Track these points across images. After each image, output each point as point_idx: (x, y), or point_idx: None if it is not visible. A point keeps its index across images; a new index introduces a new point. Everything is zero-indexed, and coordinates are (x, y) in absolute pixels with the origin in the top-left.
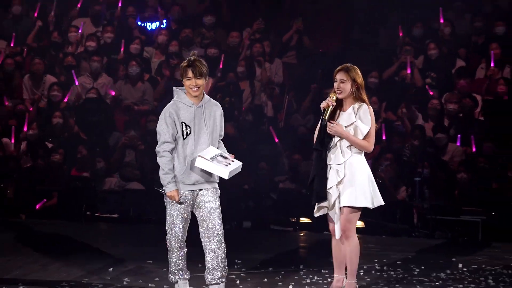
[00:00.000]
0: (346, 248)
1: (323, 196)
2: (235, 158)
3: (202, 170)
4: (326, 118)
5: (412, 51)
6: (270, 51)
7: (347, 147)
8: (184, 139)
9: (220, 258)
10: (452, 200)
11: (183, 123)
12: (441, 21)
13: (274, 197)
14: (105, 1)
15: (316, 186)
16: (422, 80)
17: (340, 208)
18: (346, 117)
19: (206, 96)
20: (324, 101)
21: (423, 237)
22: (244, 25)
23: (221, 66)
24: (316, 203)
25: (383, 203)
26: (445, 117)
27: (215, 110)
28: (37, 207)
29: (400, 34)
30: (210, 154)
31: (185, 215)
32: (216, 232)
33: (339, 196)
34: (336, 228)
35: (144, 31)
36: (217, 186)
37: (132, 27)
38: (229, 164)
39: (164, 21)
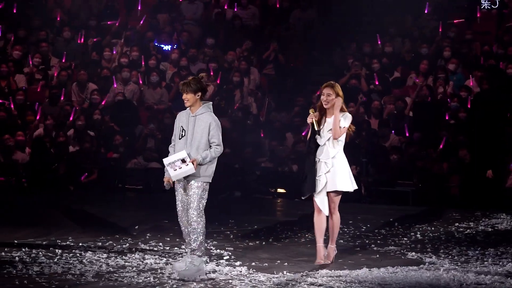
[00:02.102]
0: (331, 221)
1: (314, 189)
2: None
3: None
4: (317, 129)
5: (360, 65)
6: (253, 63)
7: (333, 146)
8: (180, 139)
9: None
10: (389, 175)
11: (181, 127)
12: (379, 42)
13: (257, 173)
14: (133, 28)
15: (309, 182)
16: (367, 86)
17: (328, 192)
18: (330, 122)
19: (202, 109)
20: (308, 118)
21: (368, 203)
22: (236, 45)
23: (218, 81)
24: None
25: (357, 187)
26: (384, 114)
27: (206, 121)
28: (82, 179)
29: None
30: (171, 159)
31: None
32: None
33: (326, 183)
34: (323, 207)
35: (160, 51)
36: (196, 180)
37: (150, 48)
38: (180, 168)
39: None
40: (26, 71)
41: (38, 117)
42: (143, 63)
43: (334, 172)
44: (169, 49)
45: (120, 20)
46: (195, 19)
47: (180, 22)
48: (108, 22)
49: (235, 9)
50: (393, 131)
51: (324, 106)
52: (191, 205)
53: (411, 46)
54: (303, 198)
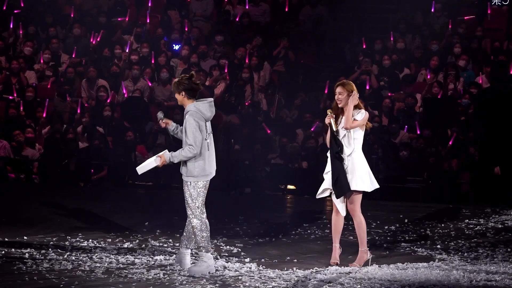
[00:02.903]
0: (355, 223)
1: (348, 189)
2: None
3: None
4: (335, 129)
5: (370, 62)
6: (263, 60)
7: (348, 144)
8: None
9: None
10: (399, 172)
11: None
12: (391, 38)
13: (268, 170)
14: (143, 24)
15: (342, 182)
16: (377, 83)
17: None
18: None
19: (187, 108)
20: (326, 118)
21: (378, 199)
22: (246, 42)
23: (228, 77)
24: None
25: (378, 186)
26: (394, 111)
27: (185, 121)
28: (92, 173)
29: (364, 46)
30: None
31: None
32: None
33: None
34: (341, 207)
35: (170, 48)
36: (184, 179)
37: (161, 44)
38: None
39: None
40: (36, 68)
41: (47, 114)
42: (153, 60)
43: (351, 171)
44: (178, 48)
45: (130, 17)
46: (205, 16)
47: (189, 19)
48: (119, 19)
49: (247, 6)
50: (405, 128)
51: (339, 105)
52: (185, 203)
53: (421, 42)
54: (317, 197)
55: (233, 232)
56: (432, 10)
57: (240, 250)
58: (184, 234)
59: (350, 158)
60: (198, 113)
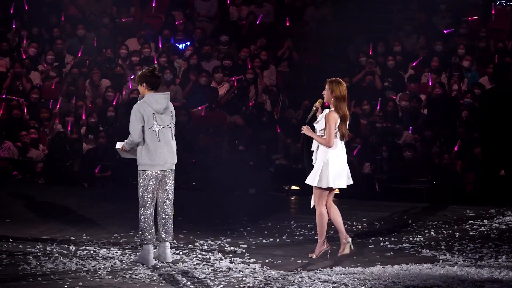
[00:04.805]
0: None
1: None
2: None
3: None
4: (309, 116)
5: (374, 63)
6: (267, 60)
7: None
8: None
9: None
10: (403, 172)
11: None
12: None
13: (272, 170)
14: (147, 25)
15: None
16: (381, 84)
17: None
18: (319, 117)
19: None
20: (314, 104)
21: (382, 200)
22: (250, 43)
23: (233, 78)
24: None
25: (333, 186)
26: (399, 111)
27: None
28: (96, 172)
29: (371, 53)
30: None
31: None
32: None
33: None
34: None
35: (175, 48)
36: (139, 168)
37: (164, 45)
38: None
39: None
40: (40, 69)
41: (51, 114)
42: (155, 61)
43: (315, 166)
44: (184, 48)
45: (134, 17)
46: (209, 16)
47: (193, 19)
48: (123, 20)
49: (251, 7)
50: (410, 129)
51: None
52: None
53: (426, 43)
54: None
55: (237, 233)
56: (440, 8)
57: (244, 251)
58: (159, 226)
59: (318, 152)
60: (144, 103)
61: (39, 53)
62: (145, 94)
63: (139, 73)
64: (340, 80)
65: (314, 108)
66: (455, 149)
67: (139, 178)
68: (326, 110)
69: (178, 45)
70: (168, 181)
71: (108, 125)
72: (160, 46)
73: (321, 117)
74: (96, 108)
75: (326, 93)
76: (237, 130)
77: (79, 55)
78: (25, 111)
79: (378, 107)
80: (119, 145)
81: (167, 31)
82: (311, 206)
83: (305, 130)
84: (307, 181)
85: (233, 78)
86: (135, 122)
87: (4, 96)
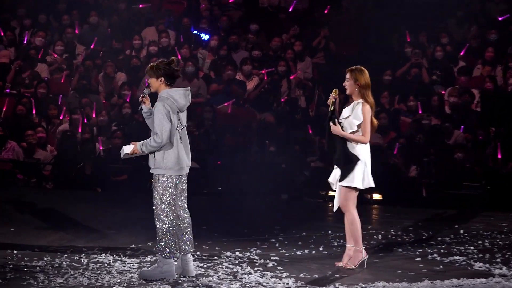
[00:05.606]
0: (345, 221)
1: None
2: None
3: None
4: (330, 110)
5: (420, 54)
6: (302, 51)
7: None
8: None
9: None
10: (453, 176)
11: None
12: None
13: (307, 174)
14: (167, 13)
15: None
16: (428, 77)
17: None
18: (346, 112)
19: (160, 95)
20: (330, 98)
21: (430, 207)
22: (282, 31)
23: (263, 71)
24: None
25: (373, 185)
26: (447, 108)
27: (155, 106)
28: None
29: (408, 40)
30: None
31: None
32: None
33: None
34: (335, 203)
35: (198, 38)
36: (152, 172)
37: (186, 35)
38: None
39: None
40: (49, 60)
41: (62, 111)
42: (178, 54)
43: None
44: (207, 39)
45: (153, 3)
46: (236, 2)
47: (219, 6)
48: (140, 6)
49: None
50: (461, 128)
51: (346, 92)
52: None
53: (478, 31)
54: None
55: (268, 243)
56: None
57: (276, 264)
58: (178, 237)
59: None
60: (170, 99)
61: (47, 43)
62: (160, 89)
63: (154, 64)
64: (362, 67)
65: (332, 100)
66: None
67: (157, 183)
68: (354, 103)
69: (201, 35)
70: (185, 185)
71: (124, 123)
72: (187, 38)
73: (349, 111)
74: (111, 105)
75: (349, 83)
76: (268, 129)
77: (91, 47)
78: (33, 109)
79: (426, 103)
80: (127, 149)
81: (186, 19)
82: (334, 210)
83: (336, 130)
84: (346, 183)
85: (263, 71)
86: (164, 122)
87: (8, 90)
